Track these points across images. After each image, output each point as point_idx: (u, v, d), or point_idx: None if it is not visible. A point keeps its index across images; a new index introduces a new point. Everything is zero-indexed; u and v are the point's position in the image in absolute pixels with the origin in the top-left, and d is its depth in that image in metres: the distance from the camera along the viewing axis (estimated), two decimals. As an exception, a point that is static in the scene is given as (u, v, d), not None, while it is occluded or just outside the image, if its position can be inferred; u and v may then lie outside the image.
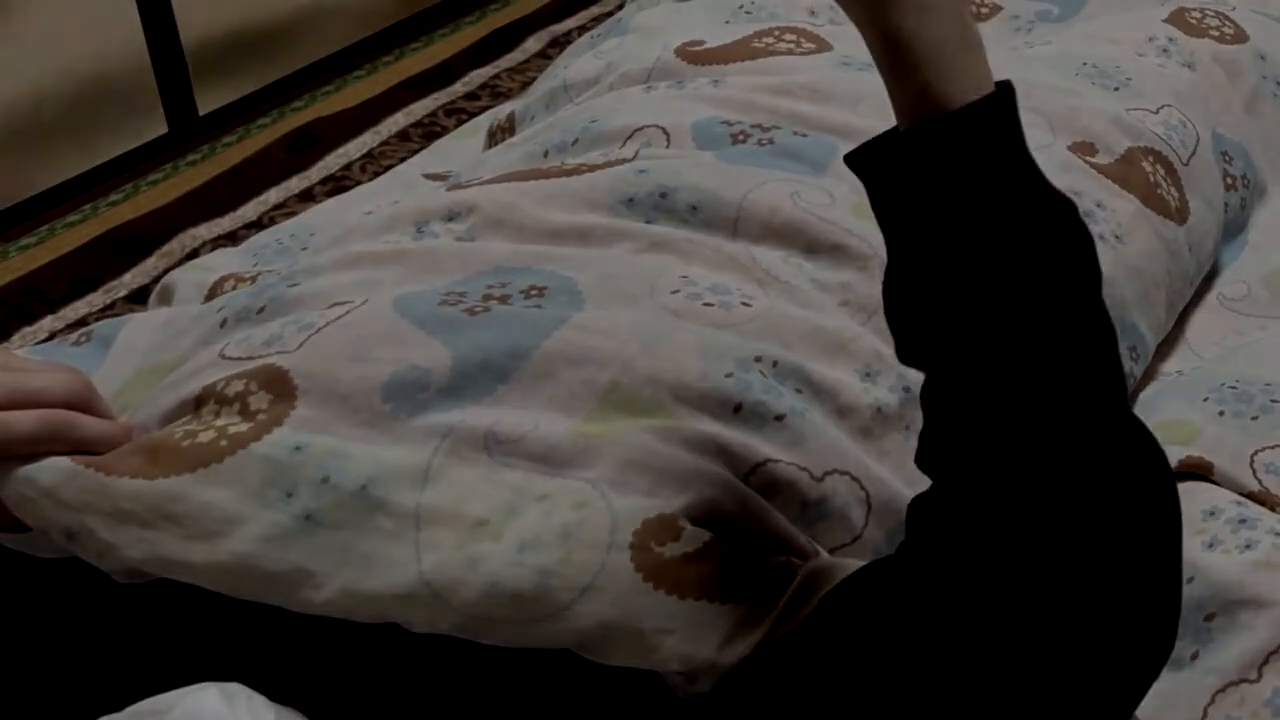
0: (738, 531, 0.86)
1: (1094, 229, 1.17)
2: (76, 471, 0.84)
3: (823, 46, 1.33)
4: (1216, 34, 1.46)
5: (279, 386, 0.89)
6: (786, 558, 0.87)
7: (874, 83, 0.81)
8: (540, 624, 0.81)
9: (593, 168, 1.14)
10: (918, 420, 0.85)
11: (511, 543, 0.82)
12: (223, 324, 1.02)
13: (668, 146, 1.17)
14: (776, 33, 1.36)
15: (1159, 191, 1.25)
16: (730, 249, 1.06)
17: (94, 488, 0.84)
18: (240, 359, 0.93)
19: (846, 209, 1.09)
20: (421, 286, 0.99)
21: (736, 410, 0.91)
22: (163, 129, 2.15)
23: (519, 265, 1.02)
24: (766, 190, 1.09)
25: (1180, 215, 1.26)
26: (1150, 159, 1.26)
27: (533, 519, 0.83)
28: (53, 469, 0.85)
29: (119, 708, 0.75)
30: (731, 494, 0.87)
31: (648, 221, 1.08)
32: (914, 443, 0.84)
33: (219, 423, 0.88)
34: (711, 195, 1.08)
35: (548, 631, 0.82)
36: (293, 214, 1.82)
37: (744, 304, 0.99)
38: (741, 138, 1.17)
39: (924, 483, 0.82)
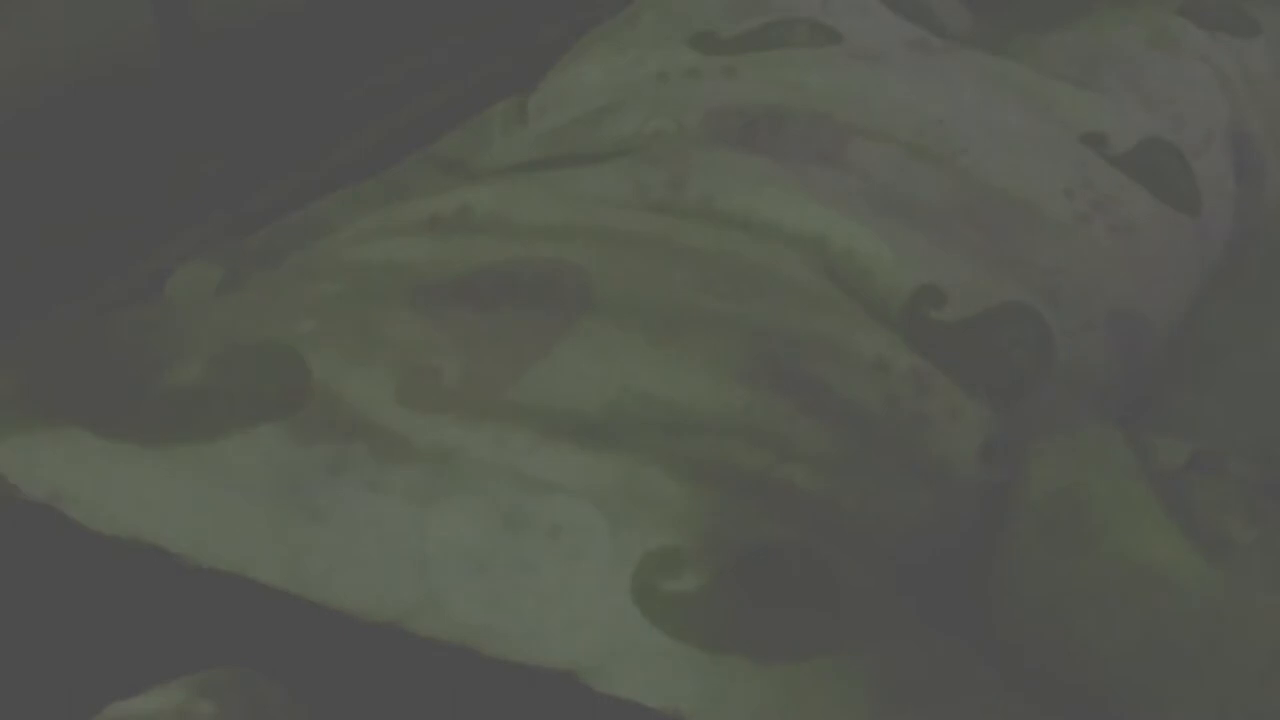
0: None
1: (1104, 220, 1.18)
2: (76, 434, 0.85)
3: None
4: (1228, 26, 1.47)
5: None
6: None
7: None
8: None
9: None
10: None
11: None
12: None
13: None
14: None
15: (1170, 183, 1.25)
16: None
17: (92, 451, 0.84)
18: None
19: None
20: None
21: None
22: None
23: None
24: None
25: (1191, 207, 1.27)
26: (1161, 150, 1.27)
27: None
28: (53, 431, 0.85)
29: (126, 693, 0.75)
30: None
31: None
32: None
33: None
34: None
35: None
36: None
37: None
38: None
39: None
